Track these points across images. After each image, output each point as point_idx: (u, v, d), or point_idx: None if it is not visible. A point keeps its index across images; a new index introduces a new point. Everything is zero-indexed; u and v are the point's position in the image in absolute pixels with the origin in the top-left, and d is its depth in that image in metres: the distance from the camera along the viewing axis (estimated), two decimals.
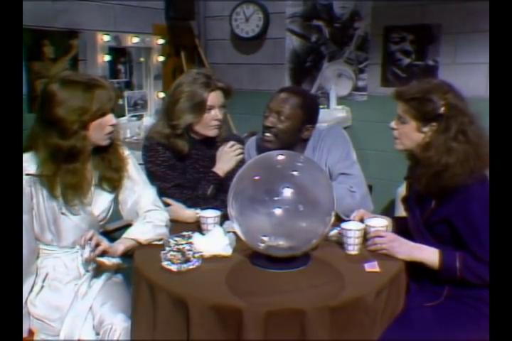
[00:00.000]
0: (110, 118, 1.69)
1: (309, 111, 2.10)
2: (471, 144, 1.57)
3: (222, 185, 2.05)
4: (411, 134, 1.65)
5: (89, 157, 1.75)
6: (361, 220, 1.80)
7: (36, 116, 1.69)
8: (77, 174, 1.69)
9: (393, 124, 1.70)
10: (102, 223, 1.84)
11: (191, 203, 2.01)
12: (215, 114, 2.05)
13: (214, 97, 2.03)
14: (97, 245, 1.62)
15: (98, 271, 1.75)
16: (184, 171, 2.10)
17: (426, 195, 1.67)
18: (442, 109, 1.59)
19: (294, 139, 2.11)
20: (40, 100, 1.68)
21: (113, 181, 1.79)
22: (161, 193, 1.96)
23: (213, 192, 2.07)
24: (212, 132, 2.08)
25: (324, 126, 2.26)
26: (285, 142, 2.06)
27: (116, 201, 1.86)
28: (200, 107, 2.01)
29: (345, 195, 1.97)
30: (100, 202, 1.80)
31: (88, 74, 1.78)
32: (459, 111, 1.59)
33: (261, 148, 2.18)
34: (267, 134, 2.08)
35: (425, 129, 1.62)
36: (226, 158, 2.13)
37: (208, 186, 2.06)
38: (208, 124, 2.06)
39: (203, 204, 1.99)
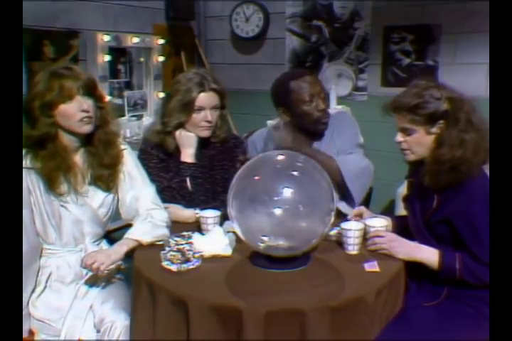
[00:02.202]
0: (78, 104, 1.66)
1: None
2: (478, 132, 1.57)
3: (200, 177, 2.05)
4: (421, 140, 1.63)
5: (77, 153, 1.76)
6: (360, 216, 1.80)
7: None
8: (54, 157, 1.68)
9: (399, 138, 1.67)
10: (104, 219, 1.84)
11: (185, 203, 2.01)
12: (205, 115, 2.03)
13: (204, 98, 2.02)
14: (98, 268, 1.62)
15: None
16: (179, 172, 2.09)
17: (428, 194, 1.67)
18: (445, 105, 1.59)
19: None
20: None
21: (104, 179, 1.78)
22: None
23: (196, 187, 2.05)
24: (203, 133, 2.07)
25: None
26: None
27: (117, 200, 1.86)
28: (188, 107, 2.01)
29: (353, 158, 2.09)
30: (97, 197, 1.80)
31: (66, 63, 1.79)
32: (459, 101, 1.59)
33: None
34: (325, 117, 2.13)
35: (433, 130, 1.61)
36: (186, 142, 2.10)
37: (183, 180, 2.05)
38: (198, 125, 2.05)
39: (191, 201, 2.00)
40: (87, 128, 1.70)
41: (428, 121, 1.61)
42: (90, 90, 1.70)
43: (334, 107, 3.65)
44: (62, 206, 1.73)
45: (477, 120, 1.59)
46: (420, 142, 1.64)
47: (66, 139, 1.72)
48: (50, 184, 1.69)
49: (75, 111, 1.66)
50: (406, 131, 1.65)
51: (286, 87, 2.11)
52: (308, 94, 2.08)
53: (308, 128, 2.16)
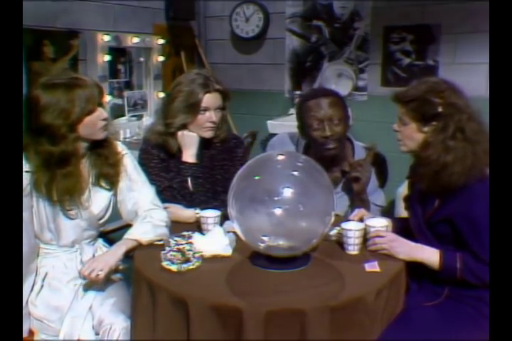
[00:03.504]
0: (99, 113, 1.68)
1: (345, 105, 2.07)
2: (469, 142, 1.57)
3: (200, 177, 2.05)
4: (412, 135, 1.65)
5: (84, 157, 1.75)
6: (361, 220, 1.80)
7: (25, 125, 1.66)
8: (71, 177, 1.68)
9: (395, 127, 1.70)
10: (101, 222, 1.84)
11: (186, 203, 2.01)
12: (210, 115, 2.03)
13: (210, 99, 2.02)
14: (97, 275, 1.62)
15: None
16: (180, 172, 2.09)
17: (429, 194, 1.67)
18: (440, 108, 1.59)
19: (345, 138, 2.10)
20: (25, 108, 1.64)
21: (110, 177, 1.78)
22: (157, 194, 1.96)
23: (197, 187, 2.05)
24: (206, 133, 2.07)
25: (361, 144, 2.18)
26: (343, 144, 2.06)
27: (115, 201, 1.86)
28: (194, 108, 2.01)
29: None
30: (99, 200, 1.79)
31: (69, 73, 1.76)
32: (456, 109, 1.59)
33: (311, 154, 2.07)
34: (331, 144, 1.99)
35: (426, 129, 1.62)
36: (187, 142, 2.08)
37: (185, 180, 2.05)
38: (202, 126, 2.04)
39: (191, 201, 2.00)
40: (105, 134, 1.73)
41: (420, 119, 1.62)
42: (102, 97, 1.72)
43: None
44: (62, 213, 1.72)
45: (471, 130, 1.57)
46: (411, 137, 1.65)
47: (80, 147, 1.72)
48: (60, 204, 1.69)
49: (96, 121, 1.68)
50: (402, 121, 1.67)
51: (301, 108, 2.04)
52: (316, 119, 1.97)
53: (317, 152, 2.05)
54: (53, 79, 1.66)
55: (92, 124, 1.67)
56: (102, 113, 1.69)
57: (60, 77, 1.67)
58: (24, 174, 1.66)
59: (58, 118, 1.60)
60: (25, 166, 1.66)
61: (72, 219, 1.73)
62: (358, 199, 2.02)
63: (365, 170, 1.98)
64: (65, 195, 1.68)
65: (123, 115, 3.71)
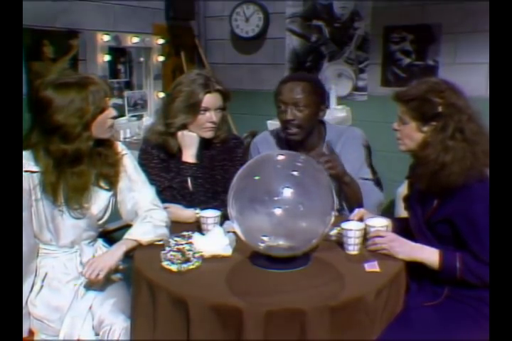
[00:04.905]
0: (110, 111, 1.70)
1: (320, 92, 2.11)
2: (468, 142, 1.57)
3: (200, 177, 2.05)
4: (412, 134, 1.65)
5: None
6: (361, 219, 1.80)
7: (33, 124, 1.67)
8: (83, 176, 1.69)
9: (395, 126, 1.71)
10: (100, 222, 1.83)
11: (186, 203, 2.01)
12: (210, 116, 2.03)
13: (210, 99, 2.02)
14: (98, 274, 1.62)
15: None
16: (180, 172, 2.09)
17: (428, 194, 1.67)
18: (440, 108, 1.59)
19: (313, 124, 2.12)
20: (35, 108, 1.64)
21: (109, 177, 1.78)
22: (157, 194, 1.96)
23: (197, 187, 2.05)
24: (207, 134, 2.07)
25: (343, 127, 2.20)
26: (307, 130, 2.09)
27: (115, 202, 1.86)
28: (194, 108, 2.01)
29: (370, 190, 2.07)
30: (99, 200, 1.79)
31: (76, 72, 1.77)
32: (456, 109, 1.59)
33: (283, 143, 2.17)
34: (291, 128, 2.06)
35: (425, 129, 1.63)
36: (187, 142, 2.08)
37: (185, 180, 2.05)
38: (202, 126, 2.05)
39: (191, 201, 2.00)
40: (112, 132, 1.75)
41: (420, 118, 1.62)
42: (110, 96, 1.74)
43: (334, 107, 3.65)
44: (62, 213, 1.72)
45: (471, 131, 1.58)
46: (411, 136, 1.66)
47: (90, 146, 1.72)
48: (67, 203, 1.69)
49: (106, 119, 1.69)
50: (402, 120, 1.68)
51: (275, 91, 2.10)
52: (282, 102, 2.04)
53: (285, 136, 2.13)
54: (62, 78, 1.64)
55: (103, 122, 1.69)
56: (111, 111, 1.71)
57: (69, 77, 1.66)
58: (31, 174, 1.66)
59: (73, 118, 1.60)
60: (27, 166, 1.66)
61: (75, 218, 1.73)
62: (341, 183, 2.00)
63: (333, 160, 1.97)
64: (73, 193, 1.68)
65: (123, 115, 3.70)
